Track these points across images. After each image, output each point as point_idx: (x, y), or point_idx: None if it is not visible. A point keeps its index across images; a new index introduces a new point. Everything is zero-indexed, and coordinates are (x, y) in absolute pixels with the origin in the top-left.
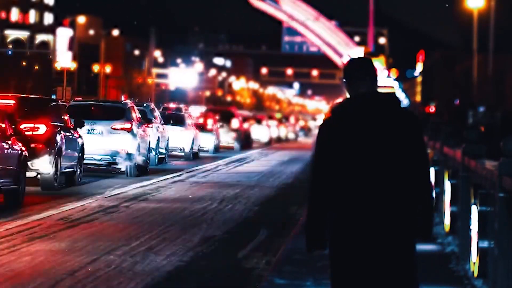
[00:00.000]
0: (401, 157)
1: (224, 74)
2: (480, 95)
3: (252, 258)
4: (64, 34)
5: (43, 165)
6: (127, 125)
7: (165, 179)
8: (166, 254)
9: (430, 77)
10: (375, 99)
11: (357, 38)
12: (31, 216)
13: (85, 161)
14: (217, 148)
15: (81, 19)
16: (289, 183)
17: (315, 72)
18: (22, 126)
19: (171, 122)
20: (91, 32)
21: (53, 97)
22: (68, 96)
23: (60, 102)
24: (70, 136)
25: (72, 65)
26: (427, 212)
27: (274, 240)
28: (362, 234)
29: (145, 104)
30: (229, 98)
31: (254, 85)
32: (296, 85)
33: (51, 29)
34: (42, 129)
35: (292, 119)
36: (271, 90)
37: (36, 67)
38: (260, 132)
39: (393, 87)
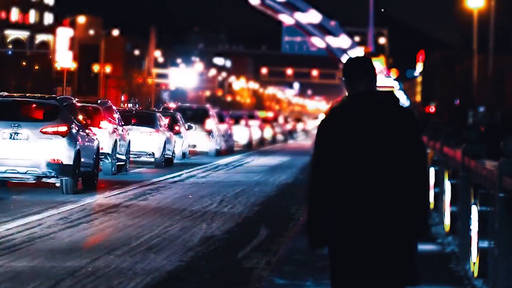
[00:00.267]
0: (399, 154)
1: (224, 74)
2: (480, 95)
3: (252, 258)
4: (64, 34)
5: None
6: (62, 128)
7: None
8: (166, 254)
9: (430, 77)
10: (373, 97)
11: (357, 38)
12: (31, 216)
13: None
14: (184, 154)
15: (81, 19)
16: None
17: (315, 72)
18: None
19: (133, 123)
20: (91, 32)
21: None
22: None
23: None
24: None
25: (72, 65)
26: (423, 209)
27: (274, 240)
28: (361, 233)
29: (99, 101)
30: (229, 98)
31: (254, 85)
32: (296, 85)
33: (51, 29)
34: None
35: (280, 119)
36: (271, 90)
37: (36, 67)
38: (239, 133)
39: (393, 87)
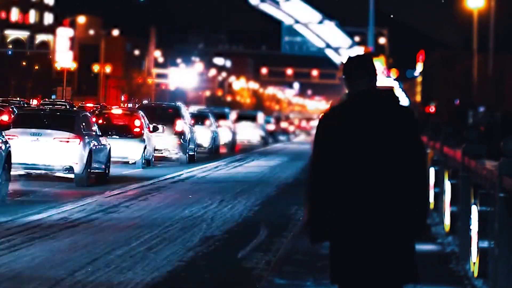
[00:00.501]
0: (398, 153)
1: (224, 74)
2: (480, 95)
3: (252, 258)
4: (64, 34)
5: None
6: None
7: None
8: (166, 254)
9: (430, 77)
10: (373, 96)
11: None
12: (31, 216)
13: None
14: (149, 161)
15: (81, 19)
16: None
17: (315, 72)
18: None
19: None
20: (91, 32)
21: (53, 97)
22: (68, 96)
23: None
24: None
25: (72, 65)
26: (423, 209)
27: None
28: (360, 232)
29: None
30: (229, 98)
31: (254, 85)
32: (296, 85)
33: (51, 29)
34: None
35: (259, 118)
36: (271, 90)
37: (36, 67)
38: (202, 135)
39: (393, 87)
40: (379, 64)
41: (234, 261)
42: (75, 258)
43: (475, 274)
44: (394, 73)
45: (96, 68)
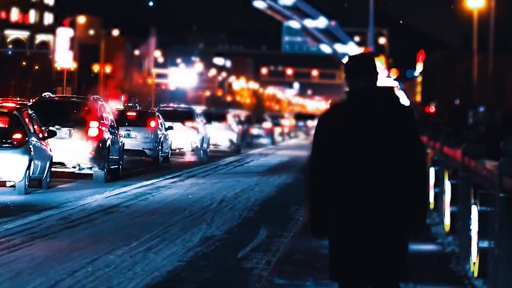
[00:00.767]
0: (397, 152)
1: (224, 74)
2: (480, 95)
3: (252, 258)
4: (64, 34)
5: None
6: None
7: None
8: (166, 254)
9: (430, 77)
10: (372, 94)
11: (357, 38)
12: (31, 216)
13: None
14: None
15: (81, 19)
16: None
17: (315, 72)
18: None
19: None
20: (91, 32)
21: None
22: None
23: None
24: None
25: (72, 65)
26: (422, 204)
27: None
28: (359, 231)
29: None
30: (229, 98)
31: (254, 85)
32: (296, 85)
33: (51, 29)
34: None
35: (229, 118)
36: (271, 90)
37: (36, 67)
38: (142, 139)
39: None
40: (379, 64)
41: (234, 261)
42: (75, 258)
43: (475, 274)
44: (394, 73)
45: (96, 68)
